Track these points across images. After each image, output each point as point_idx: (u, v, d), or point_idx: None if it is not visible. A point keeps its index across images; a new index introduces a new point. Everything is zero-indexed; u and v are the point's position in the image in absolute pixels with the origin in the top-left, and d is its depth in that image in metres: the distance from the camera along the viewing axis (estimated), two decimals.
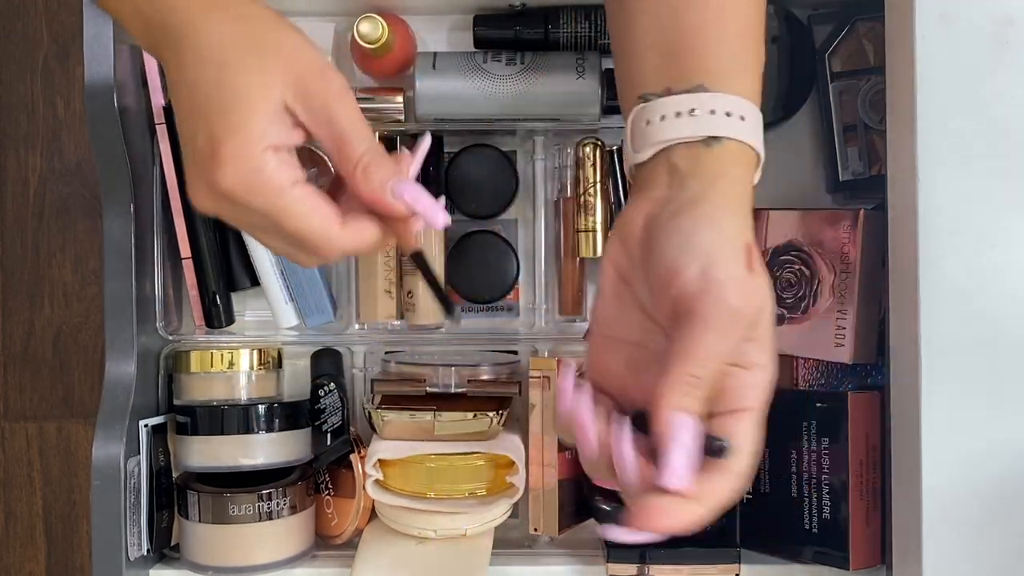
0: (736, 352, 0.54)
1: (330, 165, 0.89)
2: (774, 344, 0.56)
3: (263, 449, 0.84)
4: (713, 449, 0.53)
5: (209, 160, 0.53)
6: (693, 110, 0.60)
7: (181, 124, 0.56)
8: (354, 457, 0.87)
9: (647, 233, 0.57)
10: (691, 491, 0.51)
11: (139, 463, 0.84)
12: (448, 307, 0.63)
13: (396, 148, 0.88)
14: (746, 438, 0.54)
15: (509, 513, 0.86)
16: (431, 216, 0.56)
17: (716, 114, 0.59)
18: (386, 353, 0.90)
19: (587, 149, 0.88)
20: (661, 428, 0.52)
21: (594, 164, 0.88)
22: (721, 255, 0.55)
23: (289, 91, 0.54)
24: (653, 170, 0.60)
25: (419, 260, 0.62)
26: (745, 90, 0.61)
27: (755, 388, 0.55)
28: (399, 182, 0.55)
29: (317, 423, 0.89)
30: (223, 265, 0.90)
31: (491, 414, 0.83)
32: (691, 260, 0.55)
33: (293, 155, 0.55)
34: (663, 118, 0.60)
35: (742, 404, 0.54)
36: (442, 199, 0.60)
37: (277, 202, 0.54)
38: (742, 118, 0.60)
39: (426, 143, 0.59)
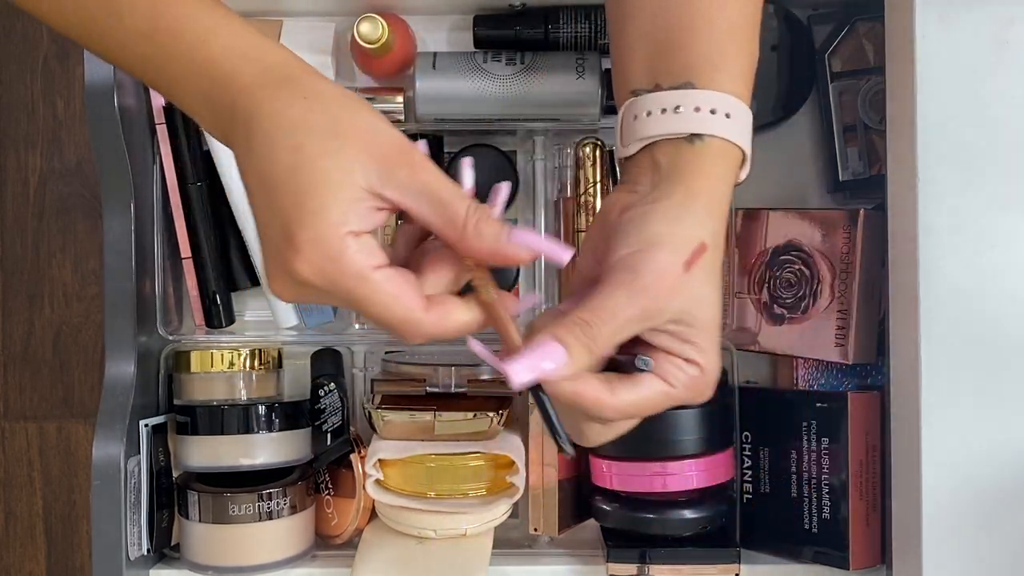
0: (672, 344, 0.56)
1: None
2: (716, 352, 0.57)
3: (263, 449, 0.84)
4: (635, 365, 0.56)
5: (287, 249, 0.52)
6: (678, 107, 0.60)
7: (256, 211, 0.54)
8: (354, 457, 0.87)
9: (618, 222, 0.59)
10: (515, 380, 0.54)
11: (139, 463, 0.84)
12: (561, 445, 0.59)
13: None
14: (646, 400, 0.56)
15: (509, 513, 0.86)
16: (556, 255, 0.55)
17: (701, 111, 0.60)
18: (386, 353, 0.90)
19: (587, 149, 0.89)
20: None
21: (594, 164, 0.88)
22: (662, 247, 0.56)
23: (372, 173, 0.52)
24: (638, 164, 0.61)
25: (537, 395, 0.57)
26: (734, 87, 0.61)
27: (684, 374, 0.56)
28: (511, 230, 0.54)
29: (317, 423, 0.89)
30: (223, 265, 0.90)
31: (491, 414, 0.83)
32: (632, 244, 0.57)
33: (374, 239, 0.53)
34: (649, 114, 0.61)
35: (664, 377, 0.56)
36: (558, 245, 0.57)
37: (358, 289, 0.52)
38: (727, 115, 0.60)
39: (504, 191, 0.57)
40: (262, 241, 0.54)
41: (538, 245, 0.55)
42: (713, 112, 0.60)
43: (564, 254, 0.55)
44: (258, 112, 0.52)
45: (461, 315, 0.55)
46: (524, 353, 0.54)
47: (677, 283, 0.56)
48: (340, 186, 0.51)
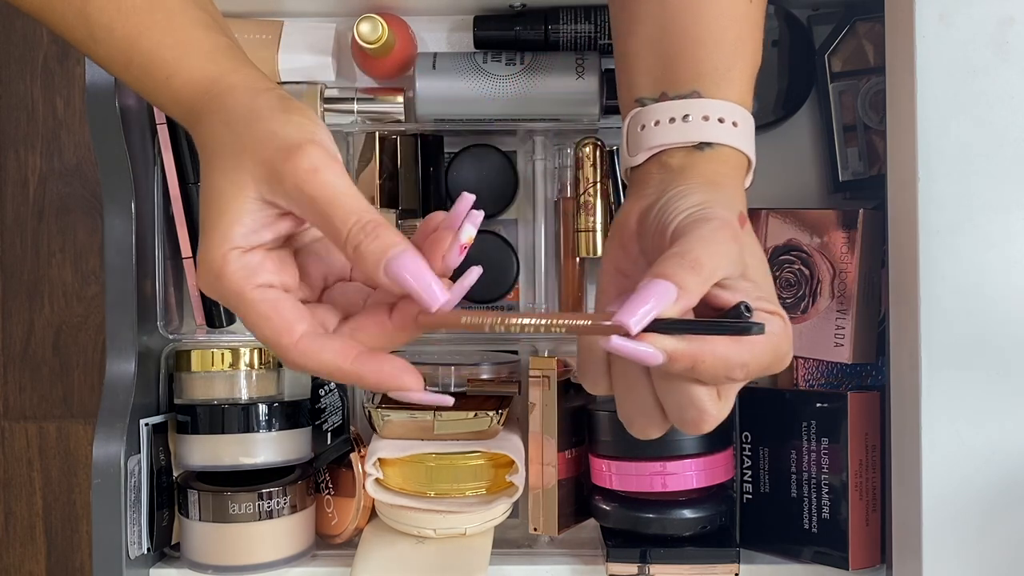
0: (750, 301, 0.53)
1: None
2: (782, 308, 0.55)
3: (263, 448, 0.84)
4: (739, 314, 0.50)
5: (198, 263, 0.53)
6: (687, 116, 0.61)
7: None
8: (354, 456, 0.87)
9: (641, 225, 0.58)
10: (626, 328, 0.49)
11: (140, 462, 0.84)
12: (745, 329, 0.52)
13: (396, 148, 0.88)
14: (767, 340, 0.52)
15: (509, 512, 0.86)
16: (425, 299, 0.50)
17: (709, 120, 0.60)
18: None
19: (587, 149, 0.89)
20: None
21: (594, 164, 0.88)
22: (714, 206, 0.55)
23: (263, 183, 0.51)
24: (646, 172, 0.61)
25: (667, 325, 0.50)
26: (739, 96, 0.62)
27: (774, 324, 0.53)
28: (391, 261, 0.50)
29: (317, 422, 0.89)
30: None
31: (491, 413, 0.83)
32: (683, 212, 0.55)
33: (264, 256, 0.52)
34: (657, 123, 0.61)
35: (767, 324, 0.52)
36: (458, 283, 0.52)
37: (238, 306, 0.52)
38: (734, 124, 0.61)
39: (470, 279, 0.53)
40: None
41: (409, 285, 0.50)
42: (721, 121, 0.60)
43: (434, 302, 0.50)
44: (200, 142, 0.55)
45: (328, 357, 0.51)
46: (629, 301, 0.50)
47: (740, 234, 0.54)
48: (230, 202, 0.52)
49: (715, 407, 0.53)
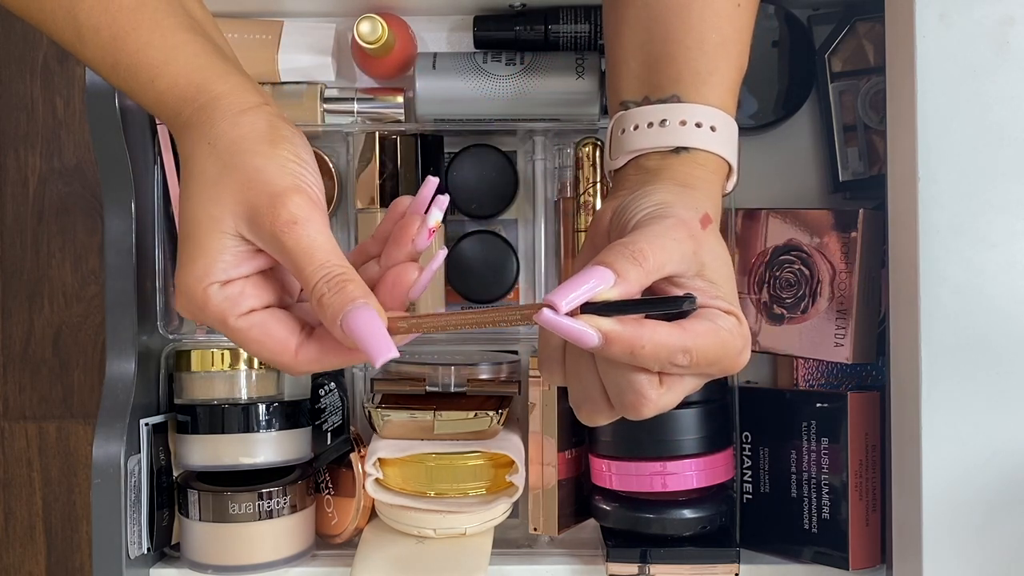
0: (704, 300, 0.53)
1: (333, 173, 0.90)
2: (743, 314, 0.55)
3: (263, 448, 0.84)
4: (680, 302, 0.51)
5: (174, 283, 0.54)
6: (664, 121, 0.61)
7: None
8: (354, 456, 0.87)
9: (612, 222, 0.58)
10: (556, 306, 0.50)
11: (140, 462, 0.84)
12: (675, 305, 0.52)
13: (396, 148, 0.88)
14: (712, 331, 0.52)
15: (509, 512, 0.86)
16: (372, 354, 0.50)
17: (687, 125, 0.61)
18: None
19: (587, 149, 0.89)
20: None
21: (594, 164, 0.88)
22: (676, 205, 0.56)
23: (242, 222, 0.53)
24: (625, 174, 0.62)
25: (603, 308, 0.51)
26: (720, 100, 0.62)
27: (726, 321, 0.53)
28: (348, 315, 0.51)
29: (317, 422, 0.89)
30: None
31: (491, 413, 0.83)
32: (646, 209, 0.56)
33: (244, 285, 0.54)
34: (636, 127, 0.62)
35: (711, 319, 0.53)
36: (391, 347, 0.51)
37: (227, 333, 0.54)
38: (713, 129, 0.61)
39: (436, 263, 0.55)
40: None
41: (360, 341, 0.51)
42: (699, 126, 0.61)
43: (379, 358, 0.50)
44: (184, 155, 0.56)
45: (330, 360, 0.54)
46: (566, 283, 0.51)
47: (699, 234, 0.55)
48: (208, 237, 0.53)
49: (655, 393, 0.53)
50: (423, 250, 0.55)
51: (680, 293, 0.53)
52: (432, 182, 0.54)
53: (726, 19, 0.63)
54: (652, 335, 0.51)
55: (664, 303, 0.51)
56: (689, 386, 0.54)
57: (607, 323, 0.50)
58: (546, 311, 0.50)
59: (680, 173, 0.60)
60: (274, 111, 0.56)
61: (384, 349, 0.50)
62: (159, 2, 0.57)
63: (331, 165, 0.90)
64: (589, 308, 0.50)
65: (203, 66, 0.56)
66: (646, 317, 0.52)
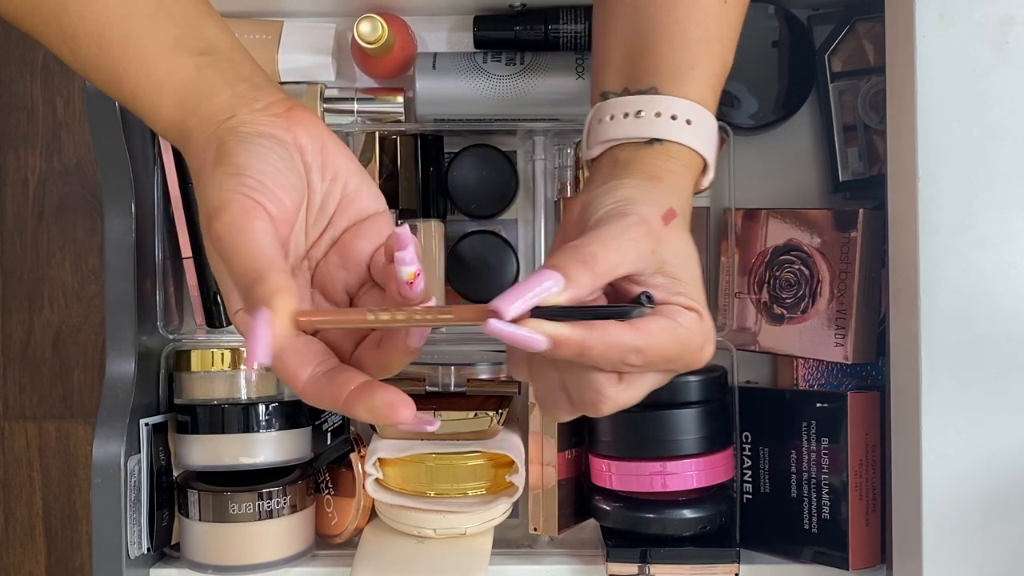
0: (666, 296, 0.53)
1: None
2: (707, 309, 0.55)
3: (263, 448, 0.84)
4: (629, 311, 0.51)
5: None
6: (640, 112, 0.61)
7: None
8: (354, 456, 0.87)
9: (580, 216, 0.58)
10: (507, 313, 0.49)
11: (139, 462, 0.84)
12: (626, 313, 0.52)
13: (396, 148, 0.88)
14: (666, 330, 0.52)
15: (509, 512, 0.86)
16: (248, 358, 0.48)
17: (661, 117, 0.61)
18: None
19: None
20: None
21: None
22: (639, 202, 0.56)
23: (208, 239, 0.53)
24: (598, 165, 0.62)
25: (549, 312, 0.51)
26: (699, 95, 0.62)
27: (686, 318, 0.53)
28: (255, 313, 0.49)
29: (317, 422, 0.89)
30: None
31: (491, 413, 0.83)
32: (608, 205, 0.56)
33: None
34: (612, 117, 0.62)
35: (671, 317, 0.53)
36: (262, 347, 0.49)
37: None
38: (688, 122, 0.61)
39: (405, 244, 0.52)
40: None
41: (247, 345, 0.49)
42: (674, 118, 0.61)
43: (252, 359, 0.48)
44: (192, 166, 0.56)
45: (325, 402, 0.53)
46: (514, 288, 0.51)
47: (660, 231, 0.55)
48: (217, 270, 0.54)
49: (614, 391, 0.53)
50: (416, 298, 0.53)
51: (639, 291, 0.53)
52: (401, 237, 0.52)
53: (712, 15, 0.63)
54: (602, 336, 0.51)
55: (613, 311, 0.51)
56: (651, 382, 0.54)
57: (554, 327, 0.50)
58: (492, 320, 0.49)
59: (650, 165, 0.60)
60: (233, 123, 0.55)
61: (260, 351, 0.48)
62: (144, 25, 0.57)
63: None
64: (538, 312, 0.50)
65: (182, 101, 0.56)
66: None
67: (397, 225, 0.53)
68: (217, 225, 0.51)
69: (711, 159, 0.62)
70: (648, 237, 0.54)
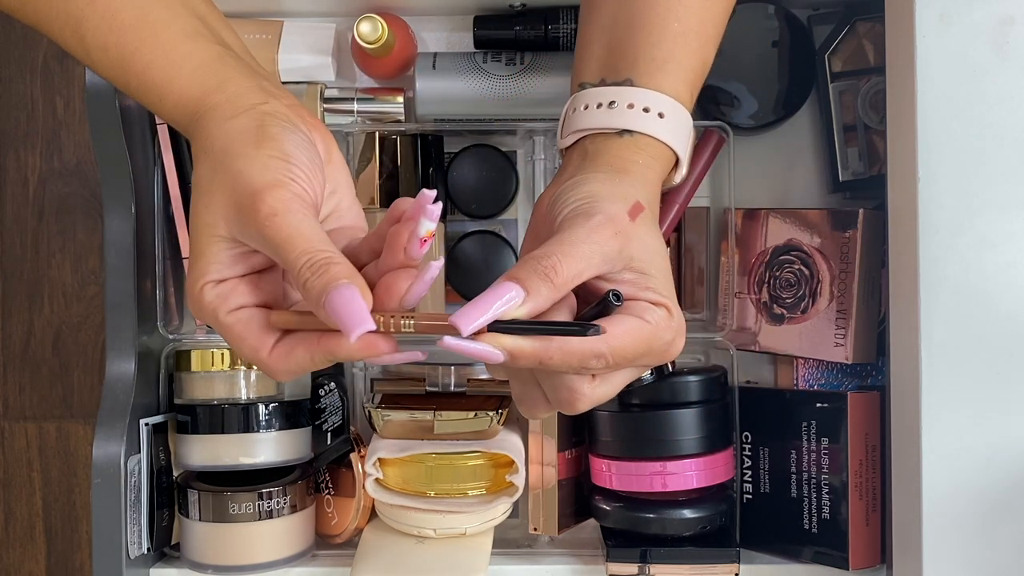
0: (634, 291, 0.54)
1: None
2: (677, 304, 0.55)
3: (263, 448, 0.84)
4: (607, 302, 0.52)
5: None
6: (613, 103, 0.61)
7: None
8: (354, 456, 0.87)
9: (547, 211, 0.58)
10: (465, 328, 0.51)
11: (139, 462, 0.84)
12: (582, 331, 0.52)
13: (396, 148, 0.88)
14: (630, 331, 0.53)
15: (509, 512, 0.86)
16: (349, 326, 0.50)
17: (634, 108, 0.61)
18: None
19: None
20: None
21: None
22: (605, 199, 0.56)
23: (233, 224, 0.53)
24: (569, 156, 0.63)
25: (505, 326, 0.52)
26: (674, 89, 0.62)
27: (654, 314, 0.54)
28: (330, 295, 0.50)
29: (317, 422, 0.89)
30: None
31: (491, 413, 0.83)
32: (574, 203, 0.56)
33: (237, 284, 0.55)
34: (586, 107, 0.62)
35: (639, 315, 0.54)
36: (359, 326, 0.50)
37: (218, 329, 0.55)
38: (660, 115, 0.61)
39: (430, 274, 0.53)
40: None
41: (338, 317, 0.50)
42: (646, 110, 0.61)
43: (355, 329, 0.50)
44: (193, 164, 0.57)
45: (299, 358, 0.54)
46: (474, 302, 0.52)
47: (627, 228, 0.55)
48: (205, 242, 0.54)
49: (587, 388, 0.54)
50: (417, 259, 0.54)
51: (607, 288, 0.54)
52: (427, 195, 0.53)
53: (693, 11, 0.63)
54: (560, 345, 0.52)
55: (569, 328, 0.52)
56: (624, 378, 0.56)
57: (511, 341, 0.51)
58: (447, 337, 0.51)
59: (618, 158, 0.60)
60: (270, 109, 0.56)
61: (359, 320, 0.50)
62: (160, 11, 0.58)
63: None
64: (495, 327, 0.51)
65: (203, 78, 0.57)
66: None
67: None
68: (273, 201, 0.52)
69: (683, 154, 0.63)
70: (615, 237, 0.54)
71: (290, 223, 0.52)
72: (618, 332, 0.53)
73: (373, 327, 0.50)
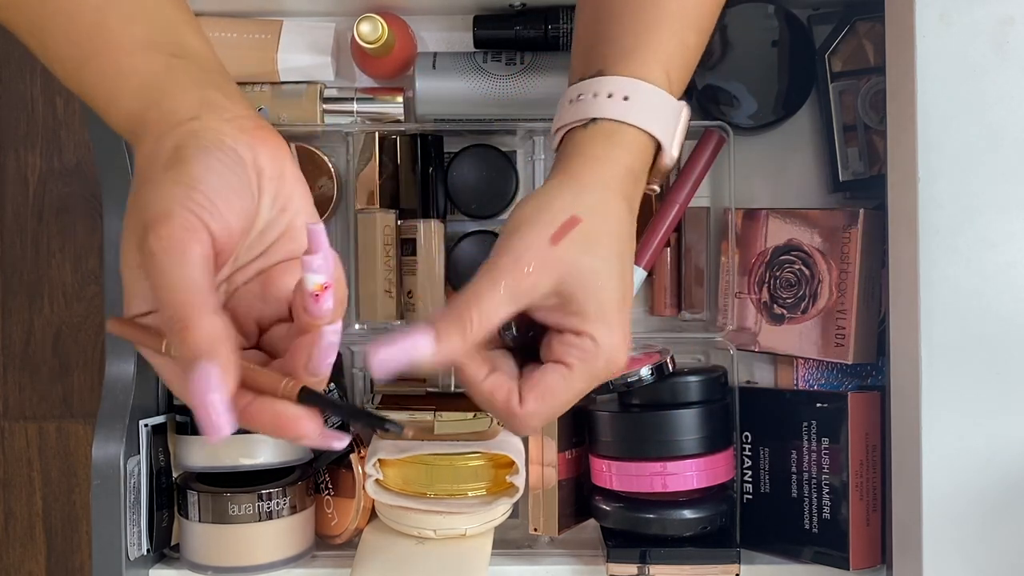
0: (559, 319, 0.56)
1: (332, 173, 0.89)
2: (615, 323, 0.57)
3: (263, 449, 0.84)
4: (383, 423, 0.51)
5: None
6: (581, 95, 0.61)
7: None
8: (354, 457, 0.87)
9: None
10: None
11: (139, 463, 0.84)
12: (379, 424, 0.51)
13: (396, 148, 0.88)
14: (548, 389, 0.56)
15: (509, 513, 0.86)
16: (203, 427, 0.46)
17: (598, 97, 0.61)
18: None
19: None
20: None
21: None
22: (526, 224, 0.57)
23: (134, 252, 0.50)
24: (557, 157, 0.63)
25: (311, 398, 0.48)
26: (644, 72, 0.61)
27: (577, 350, 0.56)
28: (192, 368, 0.46)
29: None
30: None
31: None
32: (504, 230, 0.57)
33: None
34: (563, 105, 0.62)
35: (560, 359, 0.56)
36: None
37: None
38: (625, 98, 0.60)
39: (324, 340, 0.49)
40: None
41: (195, 409, 0.46)
42: (610, 96, 0.60)
43: (212, 434, 0.46)
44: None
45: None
46: (389, 341, 0.52)
47: (545, 258, 0.55)
48: (127, 272, 0.52)
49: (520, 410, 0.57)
50: (320, 317, 0.48)
51: (535, 316, 0.57)
52: (314, 234, 0.48)
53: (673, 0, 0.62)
54: (503, 417, 0.57)
55: (370, 420, 0.54)
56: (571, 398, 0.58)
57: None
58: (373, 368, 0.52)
59: (575, 156, 0.60)
60: (198, 127, 0.52)
61: (217, 424, 0.45)
62: (117, 21, 0.54)
63: (330, 165, 0.89)
64: (303, 395, 0.48)
65: (145, 94, 0.54)
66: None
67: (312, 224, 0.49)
68: (153, 239, 0.47)
69: (661, 134, 0.61)
70: (529, 275, 0.55)
71: (163, 265, 0.47)
72: (542, 391, 0.56)
73: (228, 432, 0.45)
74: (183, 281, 0.47)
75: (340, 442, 0.49)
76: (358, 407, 0.53)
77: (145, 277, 0.49)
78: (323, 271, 0.47)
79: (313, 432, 0.49)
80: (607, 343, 0.56)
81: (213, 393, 0.45)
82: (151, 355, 0.53)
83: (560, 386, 0.56)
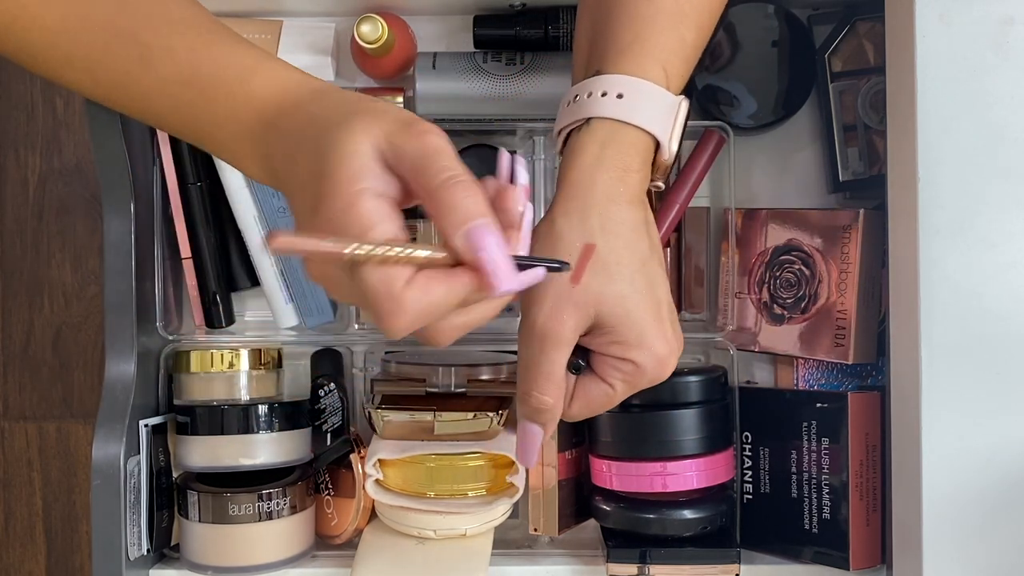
0: (603, 347, 0.59)
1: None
2: (652, 341, 0.59)
3: (263, 449, 0.84)
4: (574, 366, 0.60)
5: (311, 215, 0.51)
6: (577, 96, 0.61)
7: (297, 213, 0.54)
8: (354, 457, 0.87)
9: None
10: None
11: (139, 463, 0.84)
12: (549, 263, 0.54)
13: None
14: (593, 400, 0.61)
15: (509, 513, 0.86)
16: (497, 280, 0.48)
17: (592, 96, 0.60)
18: (386, 353, 0.90)
19: None
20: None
21: None
22: (551, 278, 0.58)
23: (382, 142, 0.50)
24: (560, 166, 0.63)
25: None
26: (639, 69, 0.61)
27: (619, 372, 0.60)
28: (475, 228, 0.48)
29: (317, 423, 0.89)
30: (223, 265, 0.90)
31: (491, 414, 0.83)
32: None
33: (392, 207, 0.51)
34: (562, 107, 0.63)
35: (603, 377, 0.61)
36: (529, 273, 0.50)
37: (345, 260, 0.49)
38: (619, 96, 0.60)
39: (509, 169, 0.54)
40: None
41: (485, 258, 0.48)
42: (604, 95, 0.60)
43: (501, 284, 0.48)
44: (290, 129, 0.54)
45: (438, 287, 0.49)
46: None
47: (574, 302, 0.58)
48: (351, 161, 0.50)
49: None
50: (523, 211, 0.53)
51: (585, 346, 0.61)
52: (505, 156, 0.54)
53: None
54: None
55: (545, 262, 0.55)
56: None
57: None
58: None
59: (573, 172, 0.60)
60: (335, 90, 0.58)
61: (510, 274, 0.48)
62: (212, 23, 0.59)
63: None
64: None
65: (289, 68, 0.58)
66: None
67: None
68: (426, 124, 0.51)
69: (657, 130, 0.61)
70: (565, 322, 0.58)
71: (440, 142, 0.50)
72: (587, 401, 0.61)
73: (515, 283, 0.49)
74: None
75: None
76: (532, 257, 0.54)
77: (399, 154, 0.50)
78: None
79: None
80: (650, 364, 0.59)
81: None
82: (325, 268, 0.51)
83: (603, 400, 0.61)
